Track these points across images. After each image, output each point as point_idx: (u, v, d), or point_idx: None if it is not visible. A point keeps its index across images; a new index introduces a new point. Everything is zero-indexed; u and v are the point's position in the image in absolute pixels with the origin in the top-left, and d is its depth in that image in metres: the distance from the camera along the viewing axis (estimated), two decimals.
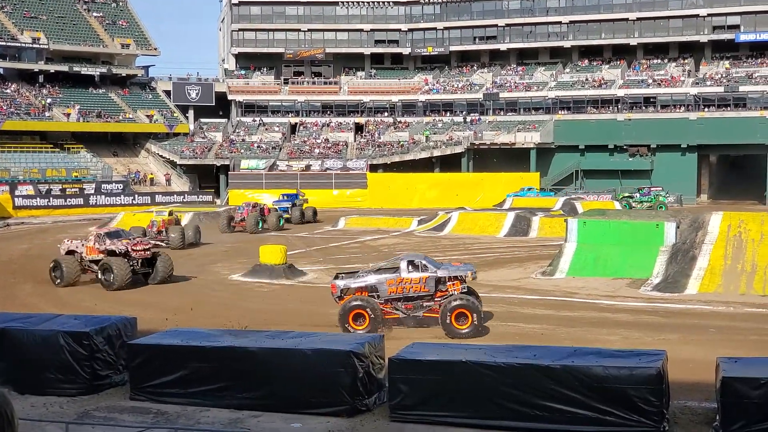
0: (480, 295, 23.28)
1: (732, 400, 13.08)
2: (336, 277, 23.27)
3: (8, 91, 73.99)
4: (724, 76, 74.11)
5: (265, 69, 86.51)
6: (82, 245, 31.04)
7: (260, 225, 50.06)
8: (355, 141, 79.41)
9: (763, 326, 22.99)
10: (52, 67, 76.08)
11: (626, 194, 59.58)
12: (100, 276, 30.04)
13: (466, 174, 72.90)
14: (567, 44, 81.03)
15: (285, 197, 58.11)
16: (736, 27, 75.03)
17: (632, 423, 13.39)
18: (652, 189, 59.91)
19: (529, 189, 64.43)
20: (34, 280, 32.37)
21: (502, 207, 57.50)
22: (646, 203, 56.90)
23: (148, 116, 78.09)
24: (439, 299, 22.09)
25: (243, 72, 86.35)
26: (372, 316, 21.74)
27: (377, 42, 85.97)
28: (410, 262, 22.47)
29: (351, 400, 14.72)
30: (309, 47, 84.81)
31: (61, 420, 13.96)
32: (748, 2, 74.13)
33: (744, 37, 74.57)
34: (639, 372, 13.50)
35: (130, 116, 77.42)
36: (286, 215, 53.76)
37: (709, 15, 75.51)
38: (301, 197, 59.53)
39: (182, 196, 68.85)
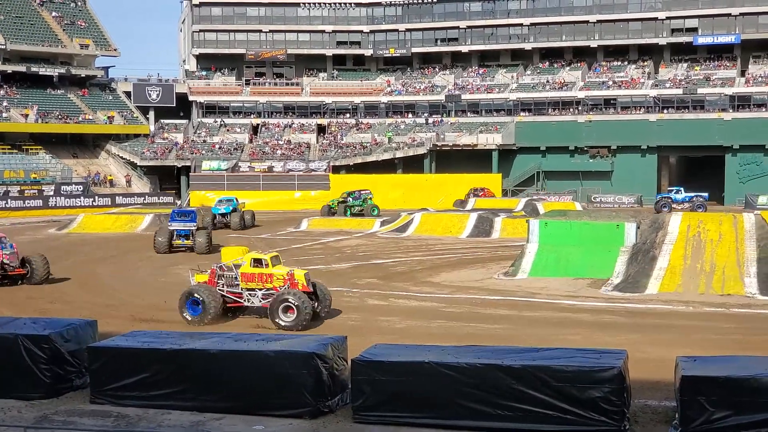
0: (443, 296, 23.23)
1: (691, 398, 13.24)
2: None
3: None
4: (682, 78, 75.11)
5: (226, 70, 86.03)
6: None
7: None
8: (317, 142, 79.27)
9: (722, 325, 23.33)
10: (10, 68, 74.94)
11: (339, 199, 58.84)
12: None
13: (429, 175, 73.07)
14: (528, 46, 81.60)
15: (180, 216, 42.50)
16: (694, 30, 76.08)
17: (594, 422, 13.49)
18: (362, 192, 59.78)
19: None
20: None
21: (464, 208, 57.72)
22: (357, 207, 57.68)
23: (108, 117, 77.25)
24: None
25: (204, 73, 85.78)
26: None
27: (339, 43, 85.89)
28: None
29: (314, 402, 14.68)
30: (270, 48, 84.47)
31: (19, 425, 13.76)
32: (706, 5, 75.25)
33: (702, 40, 75.64)
34: (600, 372, 13.61)
35: (90, 117, 76.51)
36: (187, 242, 40.46)
37: (667, 18, 76.51)
38: (202, 215, 45.06)
39: (143, 198, 68.21)
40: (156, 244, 40.14)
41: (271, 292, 23.71)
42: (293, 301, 22.89)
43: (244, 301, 24.18)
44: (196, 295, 23.62)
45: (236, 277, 24.19)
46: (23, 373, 16.02)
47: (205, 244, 39.69)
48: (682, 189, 61.91)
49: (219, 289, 24.19)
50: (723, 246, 29.15)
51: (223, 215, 50.80)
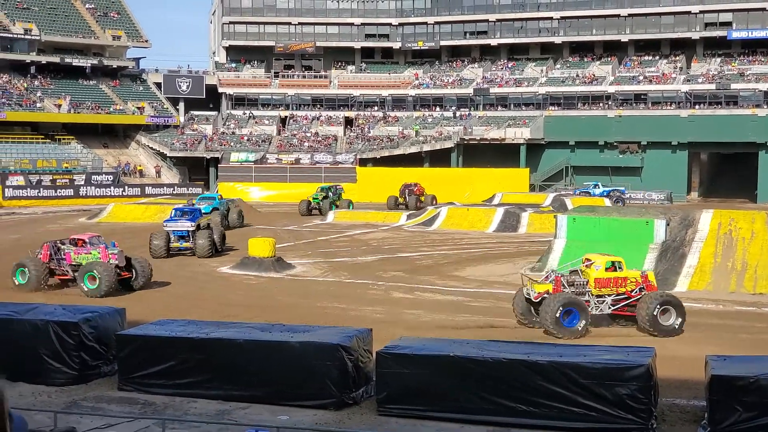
0: (469, 290, 23.23)
1: (720, 398, 13.10)
2: None
3: (0, 81, 73.61)
4: (716, 73, 74.23)
5: (255, 62, 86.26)
6: None
7: None
8: (344, 135, 79.29)
9: (753, 324, 23.06)
10: (44, 58, 75.65)
11: (322, 195, 56.66)
12: None
13: (456, 169, 72.86)
14: (558, 40, 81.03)
15: (180, 214, 37.74)
16: (728, 24, 75.13)
17: (620, 420, 13.40)
18: (337, 187, 59.14)
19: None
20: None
21: (491, 202, 57.49)
22: (335, 201, 56.43)
23: (138, 108, 77.79)
24: None
25: (234, 65, 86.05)
26: None
27: (368, 36, 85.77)
28: None
29: (338, 394, 14.71)
30: (299, 41, 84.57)
31: (49, 409, 13.92)
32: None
33: (736, 35, 74.66)
34: (628, 369, 13.51)
35: (121, 108, 77.09)
36: (186, 244, 35.83)
37: (701, 12, 75.59)
38: (207, 218, 40.07)
39: (172, 188, 68.59)
40: (152, 248, 35.07)
41: (623, 296, 21.74)
42: (675, 302, 21.20)
43: (592, 309, 21.67)
44: (572, 306, 20.93)
45: (586, 283, 21.87)
46: (53, 358, 16.24)
47: (207, 246, 34.95)
48: (599, 183, 64.04)
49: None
50: (755, 244, 28.75)
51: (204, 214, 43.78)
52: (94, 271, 26.12)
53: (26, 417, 12.83)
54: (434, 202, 58.55)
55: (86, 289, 26.10)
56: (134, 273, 27.46)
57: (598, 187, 62.80)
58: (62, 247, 27.83)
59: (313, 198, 56.38)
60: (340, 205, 56.28)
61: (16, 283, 27.26)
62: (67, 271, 27.55)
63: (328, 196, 56.55)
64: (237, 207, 49.62)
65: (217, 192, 51.84)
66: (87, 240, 27.73)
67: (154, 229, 38.01)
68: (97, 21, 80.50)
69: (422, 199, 59.02)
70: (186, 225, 36.07)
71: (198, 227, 36.23)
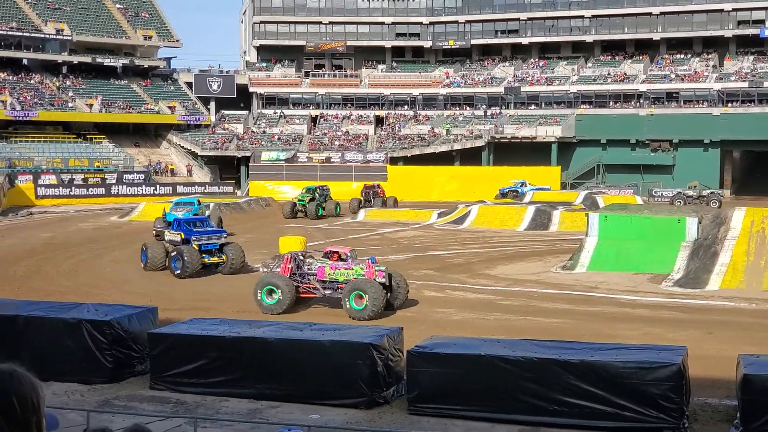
0: (500, 288, 23.18)
1: (753, 397, 13.00)
2: None
3: (32, 81, 74.53)
4: (748, 71, 73.38)
5: (286, 61, 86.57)
6: None
7: None
8: (375, 134, 79.36)
9: None
10: (76, 58, 76.45)
11: (308, 197, 53.33)
12: None
13: (487, 167, 72.68)
14: (589, 39, 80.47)
15: (184, 225, 32.48)
16: (761, 22, 74.21)
17: (652, 419, 13.33)
18: (323, 188, 55.82)
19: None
20: (57, 268, 32.64)
21: (522, 201, 57.33)
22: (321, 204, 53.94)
23: (169, 107, 78.39)
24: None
25: (264, 64, 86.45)
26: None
27: (398, 35, 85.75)
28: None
29: (369, 393, 14.75)
30: (330, 40, 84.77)
31: (82, 408, 14.09)
32: None
33: None
34: (659, 368, 13.43)
35: (152, 107, 77.74)
36: (213, 259, 30.87)
37: (733, 10, 74.74)
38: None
39: (203, 187, 69.06)
40: (185, 266, 29.84)
41: None
42: None
43: None
44: None
45: None
46: (86, 357, 16.43)
47: (241, 260, 30.92)
48: (526, 182, 64.12)
49: None
50: None
51: None
52: (363, 290, 22.78)
53: (59, 416, 13.02)
54: (395, 204, 58.52)
55: (354, 311, 22.78)
56: (391, 290, 23.88)
57: (526, 185, 63.00)
58: (310, 260, 24.68)
59: (299, 200, 53.33)
60: (327, 207, 53.57)
61: (264, 304, 23.48)
62: (316, 288, 24.22)
63: (315, 197, 53.20)
64: (218, 214, 45.88)
65: (196, 198, 45.65)
66: (347, 254, 24.81)
67: None
68: (128, 21, 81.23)
69: (384, 201, 58.42)
70: (218, 237, 31.38)
71: (221, 248, 31.32)
